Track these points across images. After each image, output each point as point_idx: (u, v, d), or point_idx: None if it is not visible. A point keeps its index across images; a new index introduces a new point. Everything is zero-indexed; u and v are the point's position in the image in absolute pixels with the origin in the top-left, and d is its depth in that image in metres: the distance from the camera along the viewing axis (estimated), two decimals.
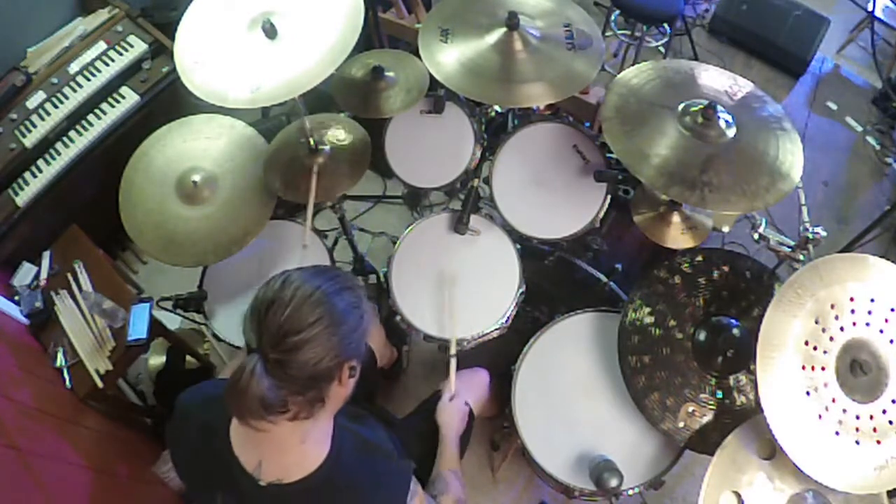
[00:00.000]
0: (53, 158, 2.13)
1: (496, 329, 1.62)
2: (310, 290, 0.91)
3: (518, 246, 1.71)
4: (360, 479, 1.01)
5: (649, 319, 1.52)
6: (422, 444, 1.43)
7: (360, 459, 1.03)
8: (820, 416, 1.16)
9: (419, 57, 1.61)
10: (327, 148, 1.63)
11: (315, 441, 0.98)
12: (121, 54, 2.23)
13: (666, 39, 3.09)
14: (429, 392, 1.63)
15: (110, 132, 2.20)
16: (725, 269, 1.53)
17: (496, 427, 2.04)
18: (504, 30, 1.55)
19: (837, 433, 1.15)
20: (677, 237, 1.60)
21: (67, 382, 1.68)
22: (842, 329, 1.19)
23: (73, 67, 2.19)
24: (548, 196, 1.73)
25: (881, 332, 1.20)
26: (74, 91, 2.15)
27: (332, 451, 0.99)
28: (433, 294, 1.65)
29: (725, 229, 1.71)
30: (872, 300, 1.20)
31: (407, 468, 1.10)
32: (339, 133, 1.66)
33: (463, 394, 1.57)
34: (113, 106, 2.21)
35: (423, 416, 1.54)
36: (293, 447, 0.95)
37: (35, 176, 2.10)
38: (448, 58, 1.56)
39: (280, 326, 0.88)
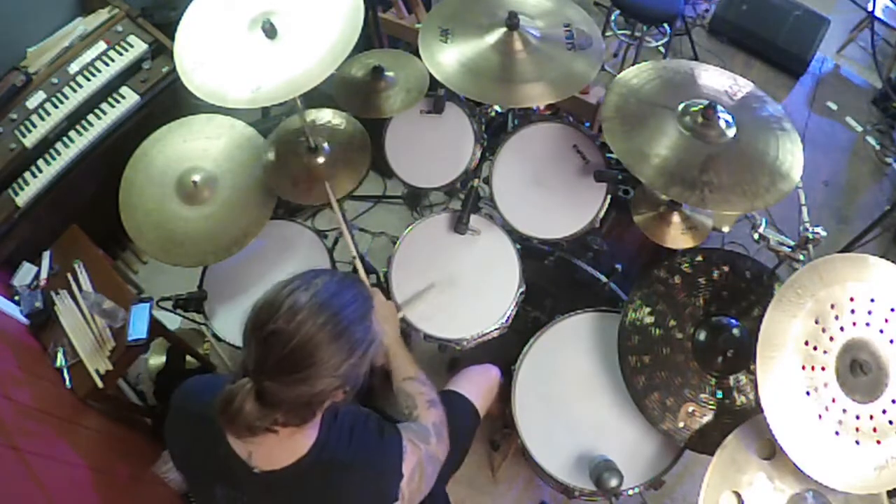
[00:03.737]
0: (53, 158, 2.12)
1: (496, 329, 1.62)
2: (319, 323, 0.86)
3: (518, 246, 1.71)
4: (352, 456, 1.01)
5: (649, 319, 1.51)
6: None
7: (352, 434, 1.03)
8: (820, 416, 1.16)
9: (419, 57, 1.61)
10: (326, 147, 1.63)
11: (304, 432, 0.97)
12: (121, 54, 2.23)
13: (666, 39, 3.09)
14: None
15: (110, 132, 2.20)
16: (725, 269, 1.53)
17: (496, 427, 2.04)
18: (504, 30, 1.55)
19: (837, 433, 1.15)
20: (677, 237, 1.60)
21: (67, 382, 1.68)
22: (842, 329, 1.19)
23: (73, 67, 2.19)
24: (548, 196, 1.73)
25: (881, 332, 1.20)
26: (74, 91, 2.15)
27: (321, 433, 0.99)
28: (433, 294, 1.65)
29: (725, 229, 1.71)
30: (872, 300, 1.20)
31: (399, 434, 1.09)
32: (334, 120, 1.66)
33: (469, 389, 1.57)
34: (113, 106, 2.21)
35: None
36: (281, 441, 0.95)
37: (35, 176, 2.10)
38: (448, 58, 1.56)
39: (281, 360, 0.85)
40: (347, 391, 0.94)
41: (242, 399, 0.85)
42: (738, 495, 1.24)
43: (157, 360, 2.18)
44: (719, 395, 1.44)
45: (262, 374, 0.86)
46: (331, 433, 1.00)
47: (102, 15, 2.33)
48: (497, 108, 2.02)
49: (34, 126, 2.10)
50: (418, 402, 1.25)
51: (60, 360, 1.70)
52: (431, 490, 1.39)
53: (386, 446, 1.07)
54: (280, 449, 0.96)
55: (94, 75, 2.18)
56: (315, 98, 2.00)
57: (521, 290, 1.65)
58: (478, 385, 1.61)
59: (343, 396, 0.94)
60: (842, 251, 2.22)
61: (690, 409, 1.43)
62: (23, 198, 2.07)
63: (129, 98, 2.22)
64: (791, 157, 1.38)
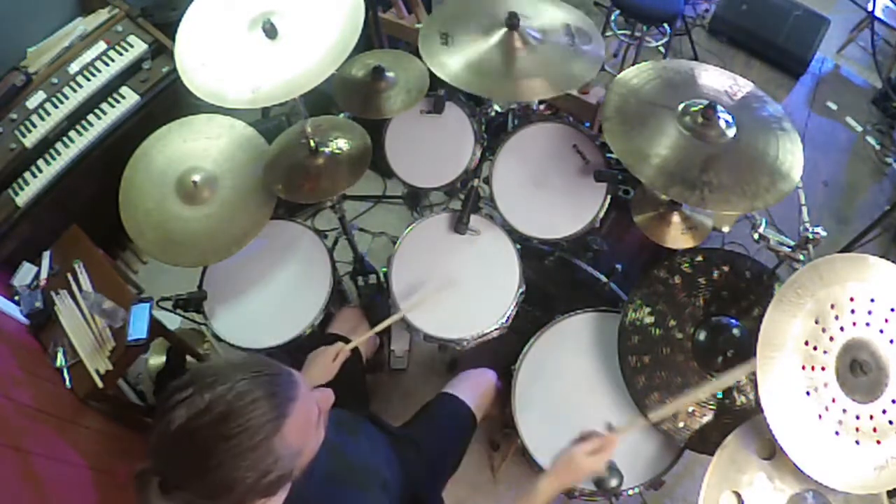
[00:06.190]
0: (53, 158, 2.13)
1: (496, 329, 1.62)
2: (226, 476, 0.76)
3: (518, 246, 1.71)
4: None
5: (649, 319, 1.51)
6: (419, 455, 1.42)
7: (322, 495, 0.96)
8: (820, 417, 1.16)
9: (419, 57, 1.61)
10: (327, 149, 1.64)
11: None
12: (121, 54, 2.23)
13: (666, 39, 3.09)
14: (429, 392, 1.63)
15: (110, 132, 2.20)
16: (725, 269, 1.53)
17: (496, 427, 2.04)
18: (504, 30, 1.55)
19: (837, 433, 1.15)
20: (677, 237, 1.60)
21: (67, 382, 1.68)
22: (842, 329, 1.19)
23: (73, 67, 2.19)
24: (548, 196, 1.73)
25: (881, 332, 1.19)
26: (74, 91, 2.16)
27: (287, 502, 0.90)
28: (434, 290, 1.64)
29: (725, 229, 1.71)
30: (872, 300, 1.20)
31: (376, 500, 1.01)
32: (339, 142, 1.66)
33: (466, 392, 1.56)
34: (113, 106, 2.21)
35: (422, 422, 1.54)
36: None
37: (35, 176, 2.10)
38: (450, 59, 1.55)
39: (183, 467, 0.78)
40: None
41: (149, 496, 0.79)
42: (738, 495, 1.23)
43: (157, 360, 2.18)
44: (719, 395, 1.44)
45: (169, 481, 0.79)
46: (301, 496, 0.91)
47: (102, 15, 2.33)
48: (497, 107, 2.02)
49: (34, 126, 2.10)
50: None
51: (60, 360, 1.71)
52: (428, 496, 1.38)
53: None
54: None
55: (94, 75, 2.19)
56: (315, 98, 2.00)
57: (521, 290, 1.65)
58: (474, 389, 1.61)
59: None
60: (842, 251, 2.22)
61: (690, 409, 1.43)
62: (23, 198, 2.07)
63: (129, 98, 2.22)
64: (791, 157, 1.37)
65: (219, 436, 0.76)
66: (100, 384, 1.67)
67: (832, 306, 1.20)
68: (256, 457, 0.78)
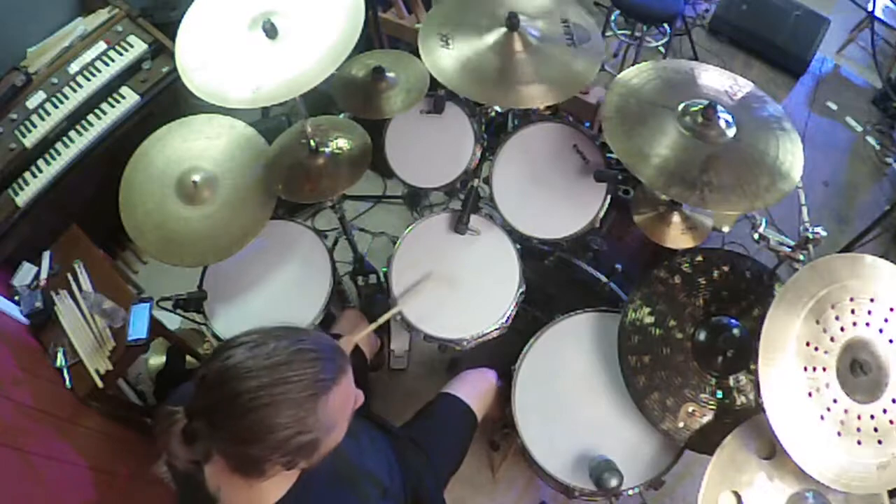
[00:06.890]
0: (53, 158, 2.12)
1: (496, 329, 1.62)
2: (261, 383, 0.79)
3: (518, 246, 1.71)
4: None
5: (649, 319, 1.52)
6: (420, 454, 1.42)
7: (324, 493, 0.96)
8: (822, 417, 1.16)
9: (419, 57, 1.61)
10: (328, 149, 1.64)
11: (260, 487, 0.88)
12: (121, 54, 2.23)
13: (666, 39, 3.09)
14: (429, 392, 1.63)
15: (110, 132, 2.20)
16: (725, 269, 1.53)
17: (496, 427, 2.04)
18: (504, 30, 1.54)
19: (840, 433, 1.15)
20: (677, 237, 1.60)
21: (67, 382, 1.68)
22: (842, 329, 1.19)
23: (73, 67, 2.19)
24: (548, 196, 1.73)
25: (881, 331, 1.19)
26: (74, 91, 2.15)
27: (289, 494, 0.91)
28: (433, 294, 1.65)
29: (725, 229, 1.71)
30: (872, 300, 1.20)
31: None
32: (340, 142, 1.66)
33: (466, 392, 1.57)
34: (113, 106, 2.21)
35: (423, 422, 1.54)
36: (240, 486, 0.87)
37: (35, 176, 2.10)
38: (449, 61, 1.55)
39: (231, 431, 0.81)
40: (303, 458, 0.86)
41: (170, 436, 0.82)
42: (738, 495, 1.24)
43: (157, 360, 2.18)
44: (719, 395, 1.44)
45: (211, 433, 0.82)
46: (307, 494, 0.92)
47: (102, 15, 2.33)
48: (497, 108, 2.02)
49: (34, 126, 2.10)
50: None
51: (60, 360, 1.71)
52: (430, 496, 1.38)
53: None
54: (243, 496, 0.88)
55: (94, 75, 2.18)
56: (315, 98, 2.00)
57: (521, 290, 1.65)
58: (474, 389, 1.62)
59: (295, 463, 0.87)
60: (842, 251, 2.22)
61: (690, 409, 1.43)
62: (23, 198, 2.07)
63: (129, 98, 2.22)
64: (791, 157, 1.37)
65: (276, 378, 0.80)
66: (100, 384, 1.67)
67: (832, 306, 1.20)
68: (301, 411, 0.81)
